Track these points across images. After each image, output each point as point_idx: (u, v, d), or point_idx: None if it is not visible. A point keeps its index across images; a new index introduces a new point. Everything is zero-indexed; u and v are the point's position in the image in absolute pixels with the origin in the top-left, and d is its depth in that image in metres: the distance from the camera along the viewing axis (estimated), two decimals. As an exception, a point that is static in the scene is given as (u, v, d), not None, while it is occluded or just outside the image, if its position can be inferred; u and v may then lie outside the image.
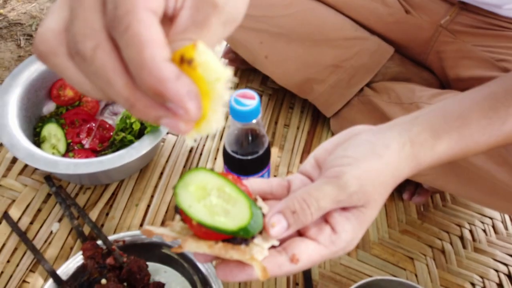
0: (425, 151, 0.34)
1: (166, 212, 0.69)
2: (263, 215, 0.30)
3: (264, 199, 0.33)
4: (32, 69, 0.72)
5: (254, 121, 0.50)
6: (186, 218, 0.28)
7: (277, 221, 0.29)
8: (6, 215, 0.66)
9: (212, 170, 0.29)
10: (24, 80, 0.71)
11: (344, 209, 0.31)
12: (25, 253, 0.62)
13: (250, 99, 0.49)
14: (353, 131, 0.36)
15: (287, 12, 0.72)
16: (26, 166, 0.74)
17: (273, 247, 0.30)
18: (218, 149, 0.79)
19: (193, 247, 0.28)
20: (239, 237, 0.28)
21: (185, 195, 0.28)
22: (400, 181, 0.34)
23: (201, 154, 0.78)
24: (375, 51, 0.75)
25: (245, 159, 0.53)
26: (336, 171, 0.31)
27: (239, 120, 0.50)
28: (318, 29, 0.74)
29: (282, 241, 0.30)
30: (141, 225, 0.68)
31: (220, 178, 0.28)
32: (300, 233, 0.32)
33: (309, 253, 0.30)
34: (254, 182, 0.34)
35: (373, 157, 0.32)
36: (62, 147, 0.73)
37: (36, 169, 0.73)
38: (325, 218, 0.31)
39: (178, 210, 0.29)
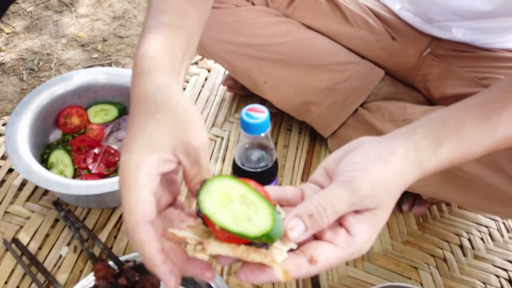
0: (428, 157, 0.36)
1: (174, 232, 0.70)
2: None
3: (280, 206, 0.35)
4: (41, 98, 0.75)
5: (263, 134, 0.53)
6: (209, 223, 0.30)
7: (295, 224, 0.31)
8: (15, 240, 0.66)
9: (234, 177, 0.31)
10: (33, 108, 0.73)
11: (357, 212, 0.33)
12: (35, 275, 0.62)
13: (260, 113, 0.52)
14: (358, 142, 0.38)
15: (285, 40, 0.77)
16: (33, 192, 0.74)
17: (291, 250, 0.31)
18: (221, 171, 0.82)
19: (216, 250, 0.29)
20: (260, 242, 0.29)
21: (209, 201, 0.29)
22: (407, 186, 0.36)
23: (205, 176, 0.80)
24: (367, 74, 0.80)
25: (255, 171, 0.56)
26: (348, 176, 0.33)
27: (250, 133, 0.53)
28: (313, 55, 0.79)
29: (300, 245, 0.32)
30: (150, 246, 0.69)
31: (243, 185, 0.30)
32: (317, 237, 0.33)
33: (326, 254, 0.31)
34: (270, 190, 0.36)
35: (381, 163, 0.34)
36: (69, 172, 0.74)
37: (43, 195, 0.74)
38: (340, 222, 0.33)
39: (200, 214, 0.31)
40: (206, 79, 1.02)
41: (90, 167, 0.76)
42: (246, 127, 0.52)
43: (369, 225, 0.33)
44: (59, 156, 0.75)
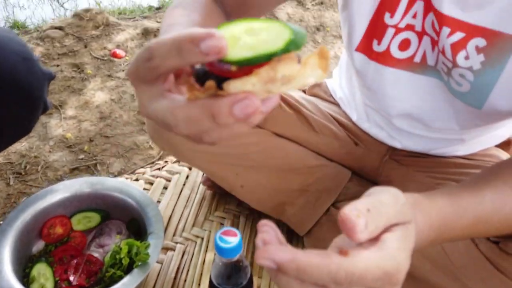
0: (425, 203, 0.40)
1: None
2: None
3: None
4: (27, 213, 0.78)
5: (237, 256, 0.57)
6: (222, 72, 0.26)
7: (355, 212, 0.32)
8: None
9: (231, 21, 0.28)
10: (18, 223, 0.76)
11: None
12: None
13: (233, 237, 0.57)
14: None
15: (257, 149, 0.84)
16: (12, 309, 0.74)
17: None
18: (201, 274, 0.84)
19: (238, 85, 0.25)
20: None
21: None
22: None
23: (185, 281, 0.82)
24: (335, 176, 0.87)
25: (230, 290, 0.59)
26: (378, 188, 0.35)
27: (224, 256, 0.57)
28: (285, 160, 0.86)
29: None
30: None
31: (242, 22, 0.27)
32: None
33: (358, 250, 0.30)
34: None
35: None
36: (50, 286, 0.75)
37: (22, 311, 0.74)
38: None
39: (204, 75, 0.27)
40: (187, 177, 1.08)
41: (71, 278, 0.78)
42: (220, 251, 0.56)
43: (400, 235, 0.33)
44: (41, 269, 0.77)
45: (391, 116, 0.78)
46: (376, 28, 0.65)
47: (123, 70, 1.47)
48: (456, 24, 0.56)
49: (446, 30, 0.57)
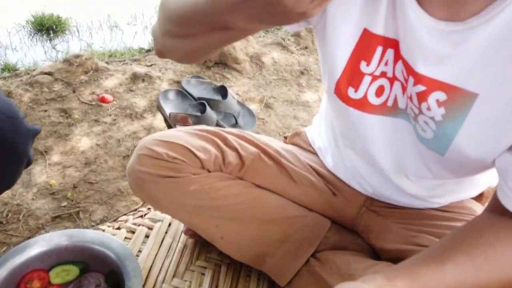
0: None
1: None
2: None
3: None
4: (4, 268, 0.78)
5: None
6: None
7: None
8: None
9: None
10: (-6, 280, 0.76)
11: None
12: None
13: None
14: None
15: (238, 201, 0.85)
16: None
17: None
18: (180, 330, 0.82)
19: None
20: None
21: None
22: None
23: (163, 337, 0.81)
24: (315, 225, 0.88)
25: None
26: None
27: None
28: (265, 212, 0.87)
29: None
30: None
31: None
32: None
33: None
34: None
35: None
36: None
37: None
38: None
39: None
40: (169, 224, 1.08)
41: (46, 336, 0.76)
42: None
43: None
44: (15, 328, 0.75)
45: (366, 160, 0.79)
46: (352, 76, 0.67)
47: (110, 115, 1.49)
48: (418, 77, 0.59)
49: (411, 79, 0.60)
